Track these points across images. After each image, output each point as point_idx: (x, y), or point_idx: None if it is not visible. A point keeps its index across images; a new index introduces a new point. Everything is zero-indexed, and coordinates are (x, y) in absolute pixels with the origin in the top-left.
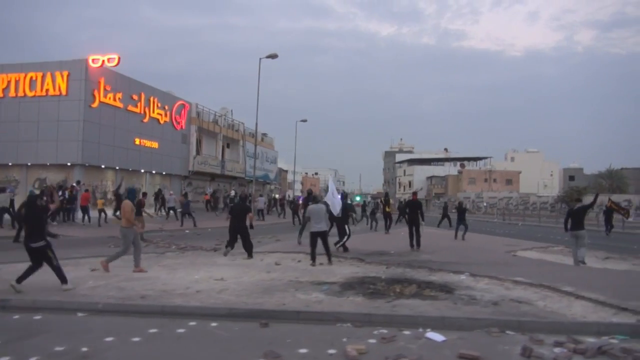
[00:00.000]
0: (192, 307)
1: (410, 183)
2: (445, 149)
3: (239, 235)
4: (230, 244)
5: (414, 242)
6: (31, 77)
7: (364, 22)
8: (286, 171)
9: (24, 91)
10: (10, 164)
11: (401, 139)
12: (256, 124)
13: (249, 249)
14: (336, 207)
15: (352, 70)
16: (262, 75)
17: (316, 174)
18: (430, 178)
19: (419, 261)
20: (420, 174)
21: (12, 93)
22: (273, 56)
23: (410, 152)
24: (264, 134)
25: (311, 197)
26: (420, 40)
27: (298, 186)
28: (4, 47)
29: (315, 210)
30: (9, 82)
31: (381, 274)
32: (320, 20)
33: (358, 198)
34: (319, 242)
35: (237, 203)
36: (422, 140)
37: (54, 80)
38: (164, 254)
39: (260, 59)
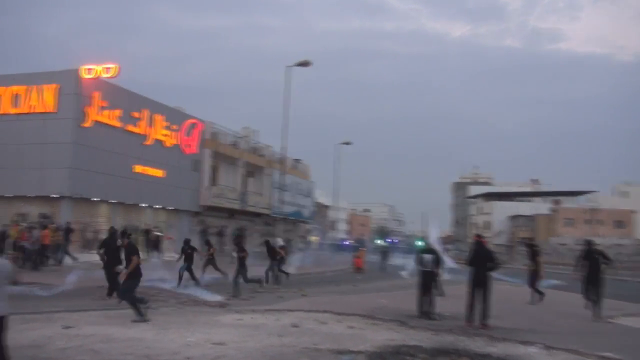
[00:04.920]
0: None
1: (487, 224)
2: (534, 181)
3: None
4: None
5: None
6: (15, 92)
7: (430, 20)
8: (327, 207)
9: (5, 108)
10: None
11: (476, 167)
12: (283, 146)
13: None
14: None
15: (413, 81)
16: (298, 88)
17: (367, 210)
18: (513, 217)
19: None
20: (501, 212)
21: None
22: (305, 64)
23: (487, 183)
24: (297, 160)
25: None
26: (501, 43)
27: (343, 226)
28: None
29: None
30: None
31: (424, 343)
32: (375, 19)
33: (420, 242)
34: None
35: (106, 239)
36: (503, 169)
37: (40, 95)
38: (157, 309)
39: (287, 67)
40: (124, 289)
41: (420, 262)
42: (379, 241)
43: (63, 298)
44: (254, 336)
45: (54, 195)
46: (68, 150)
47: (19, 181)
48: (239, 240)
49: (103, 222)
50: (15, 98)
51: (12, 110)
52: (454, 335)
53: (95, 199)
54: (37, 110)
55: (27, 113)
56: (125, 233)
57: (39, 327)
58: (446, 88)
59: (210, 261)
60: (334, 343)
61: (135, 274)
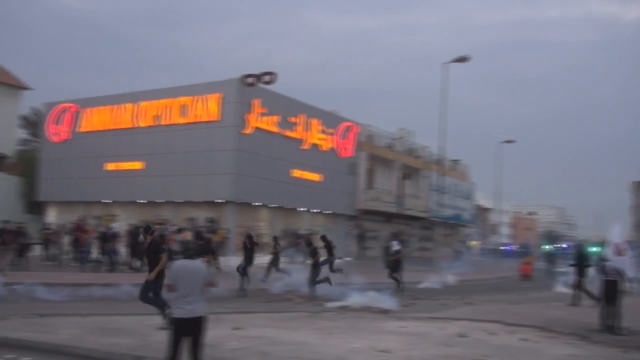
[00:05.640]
0: None
1: None
2: None
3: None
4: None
5: None
6: (183, 103)
7: (598, 4)
8: (488, 210)
9: (175, 118)
10: (162, 201)
11: None
12: (441, 146)
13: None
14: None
15: (581, 72)
16: (454, 86)
17: (532, 213)
18: None
19: None
20: None
21: (165, 121)
22: (462, 59)
23: None
24: (456, 161)
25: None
26: None
27: (506, 230)
28: (159, 70)
29: (186, 270)
30: (163, 108)
31: None
32: (536, 7)
33: (594, 249)
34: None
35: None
36: None
37: (205, 105)
38: (319, 314)
39: (444, 64)
40: (144, 289)
41: (603, 270)
42: (547, 246)
43: (228, 300)
44: (420, 345)
45: (219, 200)
46: (231, 156)
47: (188, 187)
48: (309, 242)
49: (264, 226)
50: (183, 108)
51: (181, 120)
52: None
53: (256, 204)
54: (202, 120)
55: (194, 122)
56: (149, 228)
57: (211, 327)
58: (620, 77)
59: (274, 259)
60: (507, 356)
61: (160, 274)
